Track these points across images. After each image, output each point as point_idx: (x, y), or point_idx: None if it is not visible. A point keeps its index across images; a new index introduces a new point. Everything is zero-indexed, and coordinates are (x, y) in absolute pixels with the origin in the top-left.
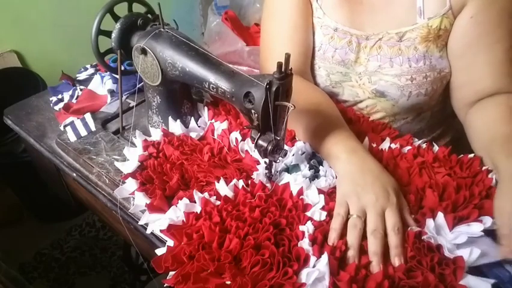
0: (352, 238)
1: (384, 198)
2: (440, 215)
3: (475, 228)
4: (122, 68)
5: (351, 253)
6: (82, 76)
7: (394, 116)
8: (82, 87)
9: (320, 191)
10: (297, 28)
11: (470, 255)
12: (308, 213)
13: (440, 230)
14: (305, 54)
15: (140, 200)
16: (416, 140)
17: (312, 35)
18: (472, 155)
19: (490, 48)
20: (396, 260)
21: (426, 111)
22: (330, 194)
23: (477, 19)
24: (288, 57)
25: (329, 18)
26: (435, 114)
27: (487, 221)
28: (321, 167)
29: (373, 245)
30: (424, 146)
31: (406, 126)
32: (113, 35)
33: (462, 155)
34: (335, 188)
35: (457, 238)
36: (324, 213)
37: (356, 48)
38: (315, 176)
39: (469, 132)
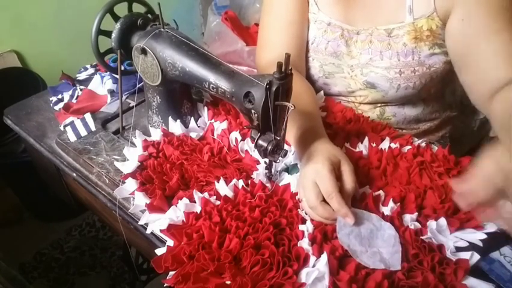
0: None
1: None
2: (443, 220)
3: (477, 236)
4: (122, 68)
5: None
6: (82, 76)
7: (386, 104)
8: (82, 87)
9: None
10: (293, 22)
11: (470, 258)
12: None
13: (441, 232)
14: (298, 47)
15: (140, 200)
16: (416, 139)
17: (307, 29)
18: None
19: (492, 39)
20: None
21: (417, 101)
22: None
23: (469, 20)
24: (288, 57)
25: (323, 14)
26: (430, 104)
27: (490, 226)
28: None
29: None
30: (424, 145)
31: (401, 113)
32: (113, 35)
33: (462, 157)
34: None
35: (457, 242)
36: None
37: (347, 41)
38: None
39: (492, 122)
